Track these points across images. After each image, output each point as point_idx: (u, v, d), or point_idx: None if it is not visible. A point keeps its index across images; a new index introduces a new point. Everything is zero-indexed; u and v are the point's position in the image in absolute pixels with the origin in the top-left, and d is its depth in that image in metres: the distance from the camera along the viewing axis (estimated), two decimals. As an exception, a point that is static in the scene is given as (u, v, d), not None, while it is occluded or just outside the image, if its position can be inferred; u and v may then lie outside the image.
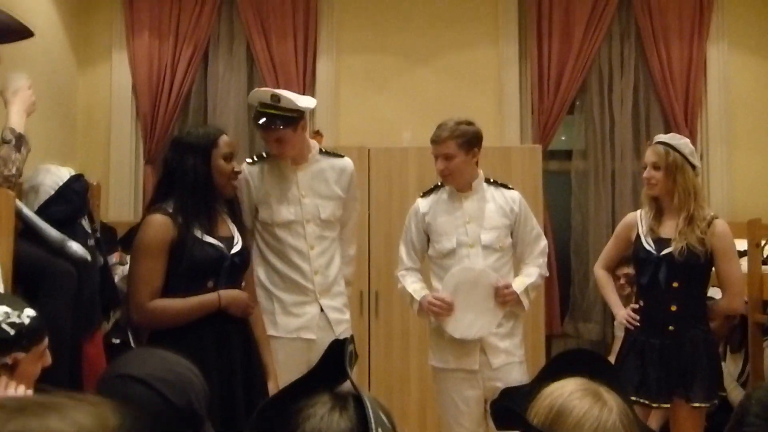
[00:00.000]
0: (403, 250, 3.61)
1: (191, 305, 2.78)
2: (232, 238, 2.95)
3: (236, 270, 2.94)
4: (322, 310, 3.37)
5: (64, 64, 4.95)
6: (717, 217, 3.47)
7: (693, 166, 3.44)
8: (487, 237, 3.45)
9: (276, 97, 3.24)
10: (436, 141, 3.45)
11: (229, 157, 2.93)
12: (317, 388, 1.22)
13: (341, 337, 3.36)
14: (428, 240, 3.56)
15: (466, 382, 3.40)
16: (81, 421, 0.91)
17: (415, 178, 4.78)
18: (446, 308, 3.34)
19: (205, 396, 1.53)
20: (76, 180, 2.88)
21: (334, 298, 3.42)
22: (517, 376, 3.40)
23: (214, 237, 2.87)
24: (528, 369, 3.50)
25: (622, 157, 5.18)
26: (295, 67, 5.15)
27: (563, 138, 5.50)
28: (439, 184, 3.59)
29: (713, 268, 3.46)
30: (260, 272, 3.38)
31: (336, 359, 1.21)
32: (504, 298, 3.37)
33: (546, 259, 3.63)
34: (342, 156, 3.57)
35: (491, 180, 3.59)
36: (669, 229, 3.44)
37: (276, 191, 3.36)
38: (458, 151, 3.41)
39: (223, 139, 2.95)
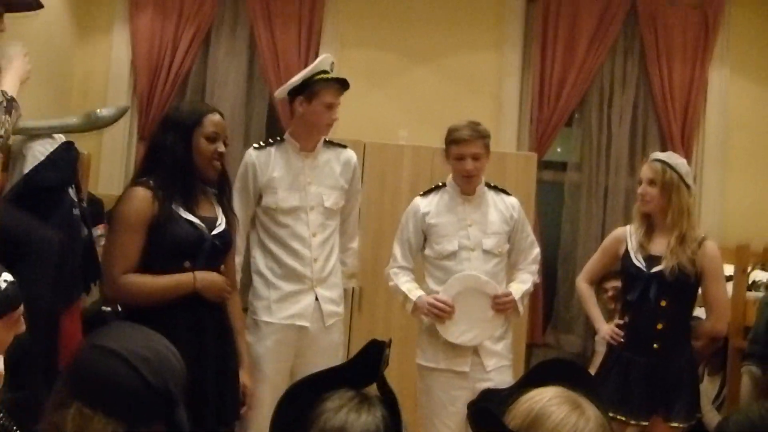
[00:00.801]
0: (397, 248, 3.57)
1: (165, 283, 2.69)
2: (215, 219, 2.86)
3: (216, 252, 2.84)
4: (316, 299, 3.37)
5: (63, 35, 4.90)
6: (707, 239, 3.47)
7: (688, 186, 3.45)
8: (489, 242, 3.45)
9: (333, 65, 3.38)
10: (466, 140, 3.39)
11: (212, 138, 2.81)
12: (344, 384, 1.21)
13: (332, 329, 3.42)
14: (424, 240, 3.53)
15: (455, 383, 3.37)
16: None
17: (409, 177, 4.76)
18: (448, 311, 3.33)
19: (183, 380, 1.50)
20: (67, 148, 2.84)
21: (330, 289, 3.44)
22: (507, 378, 3.40)
23: (194, 216, 2.78)
24: (508, 376, 3.49)
25: (617, 173, 5.18)
26: (297, 56, 5.12)
27: (558, 149, 5.49)
28: (441, 184, 3.58)
29: (700, 289, 3.46)
30: (258, 259, 3.39)
31: (372, 362, 1.21)
32: (504, 306, 3.38)
33: (538, 267, 3.64)
34: (345, 147, 3.60)
35: (491, 184, 3.58)
36: (659, 246, 3.43)
37: (283, 177, 3.37)
38: (484, 152, 3.43)
39: (210, 118, 2.83)
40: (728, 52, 5.24)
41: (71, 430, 1.36)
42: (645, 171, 3.49)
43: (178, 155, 2.76)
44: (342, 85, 3.39)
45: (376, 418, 1.17)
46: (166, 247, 2.72)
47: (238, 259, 3.34)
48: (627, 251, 3.51)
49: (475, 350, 3.40)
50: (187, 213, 2.75)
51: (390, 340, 1.36)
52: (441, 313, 3.33)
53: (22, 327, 2.06)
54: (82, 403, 1.38)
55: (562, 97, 5.15)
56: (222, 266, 2.91)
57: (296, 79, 3.39)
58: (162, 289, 2.68)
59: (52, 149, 2.78)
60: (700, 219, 5.00)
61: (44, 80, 4.45)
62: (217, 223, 2.85)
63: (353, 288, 4.66)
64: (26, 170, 2.73)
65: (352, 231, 3.64)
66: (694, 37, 5.19)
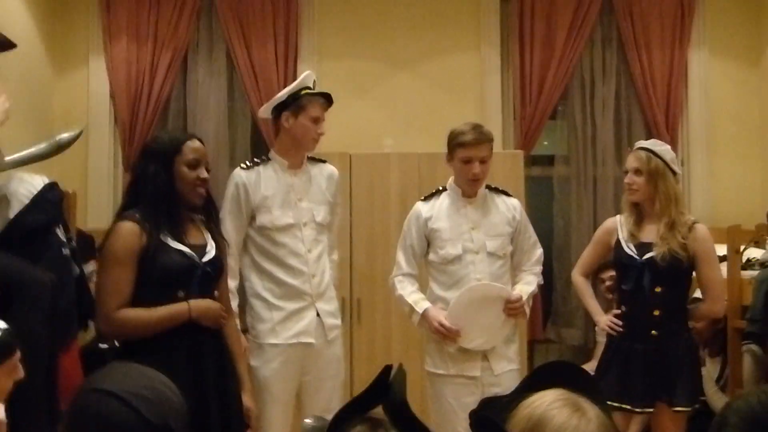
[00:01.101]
0: (401, 255, 3.53)
1: (160, 316, 2.66)
2: (205, 245, 2.84)
3: (208, 279, 2.82)
4: (317, 315, 3.38)
5: (39, 70, 4.89)
6: (697, 222, 3.48)
7: (674, 173, 3.46)
8: (492, 244, 3.44)
9: (315, 82, 3.42)
10: (477, 143, 3.37)
11: (193, 164, 2.78)
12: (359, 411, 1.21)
13: (334, 342, 3.41)
14: (428, 245, 3.50)
15: (465, 389, 3.35)
16: None
17: (397, 185, 4.77)
18: (452, 336, 3.31)
19: (183, 415, 1.49)
20: (50, 189, 2.83)
21: (329, 302, 3.46)
22: (516, 384, 3.38)
23: (184, 245, 2.76)
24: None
25: (604, 163, 5.20)
26: (276, 72, 5.12)
27: (545, 143, 5.50)
28: (441, 188, 3.56)
29: (694, 273, 3.47)
30: (255, 282, 3.38)
31: (380, 385, 1.20)
32: (516, 311, 3.38)
33: (541, 267, 3.63)
34: (325, 161, 3.61)
35: (491, 186, 3.57)
36: (649, 234, 3.45)
37: (275, 195, 3.37)
38: (490, 155, 3.43)
39: (189, 145, 2.80)
40: (706, 33, 5.27)
41: (75, 473, 1.36)
42: (630, 160, 3.50)
43: (160, 185, 2.73)
44: (327, 99, 3.41)
45: None
46: (158, 278, 2.70)
47: (234, 283, 3.32)
48: (618, 241, 3.52)
49: (484, 355, 3.39)
50: (176, 242, 2.74)
51: (400, 364, 1.35)
52: (447, 335, 3.32)
53: (21, 373, 2.06)
54: (86, 445, 1.38)
55: (544, 91, 5.16)
56: (216, 292, 2.89)
57: (282, 94, 3.40)
58: (157, 321, 2.66)
59: (36, 191, 2.76)
60: (690, 203, 5.03)
61: (24, 116, 4.44)
62: (207, 250, 2.83)
63: (351, 299, 4.67)
64: (12, 214, 2.72)
65: (332, 244, 3.62)
66: (670, 21, 5.21)
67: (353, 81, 5.25)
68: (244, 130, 5.22)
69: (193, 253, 2.77)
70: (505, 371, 3.38)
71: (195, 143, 2.84)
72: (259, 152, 4.99)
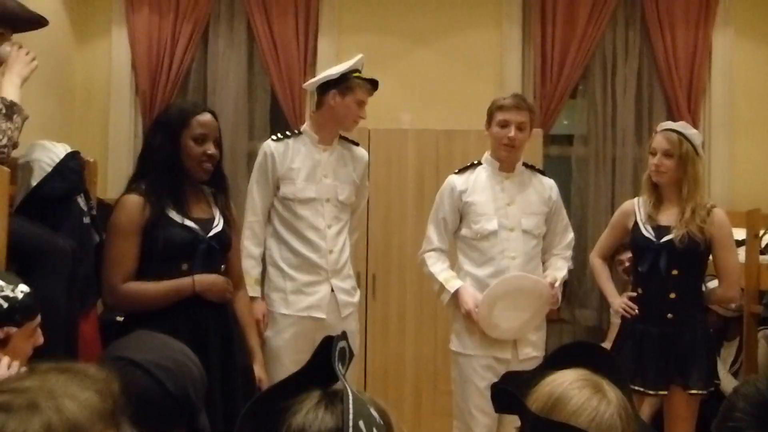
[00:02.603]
0: (432, 229, 3.50)
1: (165, 290, 2.68)
2: (212, 219, 2.84)
3: (214, 253, 2.81)
4: (332, 290, 3.41)
5: (62, 40, 4.90)
6: (715, 206, 3.47)
7: (700, 157, 3.44)
8: (528, 222, 3.41)
9: (362, 65, 3.48)
10: (516, 107, 3.35)
11: (200, 139, 2.75)
12: (309, 387, 1.20)
13: (348, 319, 3.44)
14: (460, 220, 3.47)
15: (491, 371, 3.32)
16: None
17: (415, 161, 4.77)
18: (480, 321, 3.30)
19: (203, 386, 1.51)
20: (72, 157, 2.84)
21: (345, 280, 3.49)
22: None
23: (189, 218, 2.76)
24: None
25: (624, 143, 5.14)
26: (296, 46, 5.10)
27: (565, 122, 5.47)
28: (476, 162, 3.52)
29: (710, 257, 3.45)
30: (273, 251, 3.43)
31: (326, 357, 1.19)
32: (553, 305, 3.42)
33: (572, 252, 3.61)
34: (357, 144, 3.66)
35: (528, 164, 3.54)
36: (668, 216, 3.43)
37: (301, 168, 3.41)
38: (530, 124, 3.40)
39: (198, 119, 2.77)
40: (731, 13, 5.16)
41: (96, 440, 1.38)
42: (660, 142, 3.44)
43: (165, 157, 2.74)
44: (373, 86, 3.48)
45: (333, 417, 1.16)
46: (161, 251, 2.72)
47: (258, 250, 3.39)
48: (636, 223, 3.51)
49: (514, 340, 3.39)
50: (180, 216, 2.75)
51: (344, 332, 1.33)
52: (471, 312, 3.31)
53: (41, 338, 2.09)
54: (105, 414, 1.40)
55: (565, 70, 5.11)
56: (222, 266, 2.90)
57: (334, 72, 3.44)
58: (162, 295, 2.69)
59: (58, 160, 2.78)
60: (710, 186, 4.99)
61: (46, 87, 4.47)
62: (214, 225, 2.83)
63: (366, 275, 4.69)
64: (34, 182, 2.74)
65: (355, 226, 3.68)
66: (696, 0, 5.12)
67: (372, 56, 5.17)
68: (263, 103, 5.22)
69: (197, 227, 2.77)
70: (530, 357, 3.37)
71: (205, 116, 2.80)
72: (277, 126, 5.01)
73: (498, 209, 3.39)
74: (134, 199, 2.73)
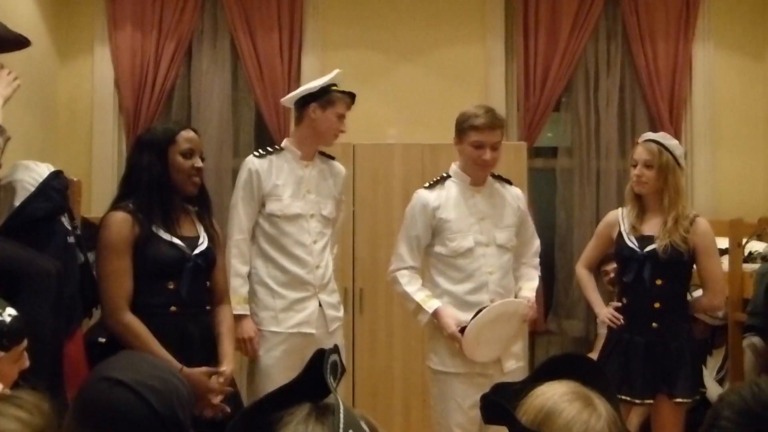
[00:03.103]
0: (403, 247, 3.39)
1: (156, 351, 2.66)
2: (197, 237, 2.88)
3: (199, 271, 2.86)
4: (320, 305, 3.41)
5: (45, 58, 4.88)
6: (698, 216, 3.50)
7: (681, 167, 3.47)
8: (502, 236, 3.36)
9: (341, 80, 3.46)
10: (490, 127, 3.24)
11: (188, 154, 2.84)
12: (299, 400, 1.19)
13: (335, 333, 3.43)
14: (432, 236, 3.37)
15: (474, 387, 3.21)
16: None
17: (401, 175, 4.77)
18: (466, 349, 3.22)
19: (190, 404, 1.50)
20: (55, 176, 2.82)
21: (331, 295, 3.49)
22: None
23: (176, 236, 2.80)
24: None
25: (607, 156, 5.19)
26: (280, 62, 5.11)
27: (549, 135, 5.50)
28: (445, 175, 3.42)
29: (694, 266, 3.48)
30: (260, 269, 3.40)
31: (317, 371, 1.19)
32: (532, 319, 3.41)
33: (539, 259, 3.58)
34: (334, 158, 3.65)
35: (495, 174, 3.47)
36: (651, 227, 3.46)
37: (286, 184, 3.40)
38: (501, 141, 3.33)
39: (182, 135, 2.86)
40: (711, 26, 5.24)
41: (83, 462, 1.37)
42: (640, 152, 3.47)
43: (155, 175, 2.78)
44: (351, 100, 3.48)
45: (326, 426, 1.15)
46: (149, 269, 2.75)
47: (245, 269, 3.36)
48: (620, 233, 3.53)
49: None
50: (167, 234, 2.78)
51: (336, 346, 1.34)
52: (455, 338, 3.23)
53: (26, 362, 2.07)
54: (93, 433, 1.39)
55: (548, 83, 5.15)
56: (208, 283, 2.94)
57: (313, 86, 3.44)
58: (152, 352, 2.66)
59: (41, 179, 2.76)
60: (693, 196, 5.04)
61: (29, 106, 4.44)
62: (199, 242, 2.87)
63: (353, 290, 4.68)
64: (17, 202, 2.72)
65: (335, 240, 3.66)
66: (675, 13, 5.19)
67: (357, 71, 5.23)
68: (248, 120, 5.22)
69: (184, 245, 2.81)
70: (513, 369, 3.33)
71: (189, 133, 2.89)
72: (263, 142, 5.00)
73: (472, 225, 3.32)
74: (122, 216, 2.75)
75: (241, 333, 3.35)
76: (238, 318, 3.34)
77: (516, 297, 3.40)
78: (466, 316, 3.24)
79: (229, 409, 2.81)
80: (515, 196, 3.48)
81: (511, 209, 3.43)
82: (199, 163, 2.87)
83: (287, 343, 3.36)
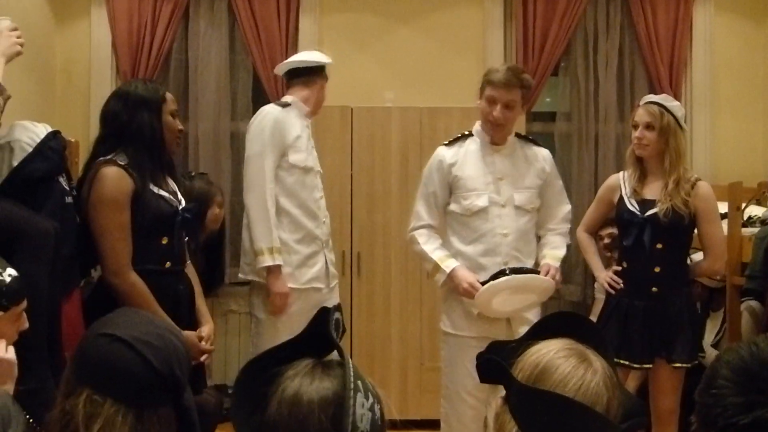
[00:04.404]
0: (421, 205, 3.32)
1: (161, 315, 2.67)
2: (176, 193, 2.92)
3: (186, 225, 2.91)
4: (326, 261, 3.52)
5: (41, 21, 4.84)
6: (700, 179, 3.47)
7: (682, 129, 3.44)
8: (521, 197, 3.26)
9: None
10: (503, 85, 3.14)
11: (175, 114, 2.91)
12: (302, 356, 1.20)
13: (335, 290, 3.47)
14: (450, 194, 3.30)
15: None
16: None
17: (398, 139, 4.77)
18: (479, 305, 3.17)
19: (189, 362, 1.51)
20: (53, 137, 2.81)
21: (331, 252, 3.61)
22: None
23: (165, 191, 2.85)
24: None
25: (606, 120, 5.17)
26: (277, 25, 5.07)
27: (548, 99, 5.47)
28: (467, 133, 3.35)
29: (695, 231, 3.47)
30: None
31: (321, 327, 1.20)
32: (556, 281, 3.27)
33: (569, 225, 3.46)
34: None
35: (521, 134, 3.41)
36: (653, 190, 3.44)
37: (300, 138, 3.48)
38: (519, 101, 3.21)
39: (169, 96, 2.92)
40: (712, -12, 5.21)
41: (83, 415, 1.38)
42: (641, 114, 3.43)
43: (155, 132, 2.81)
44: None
45: (331, 382, 1.17)
46: (146, 224, 2.76)
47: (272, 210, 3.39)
48: (621, 197, 3.50)
49: (508, 319, 3.26)
50: (160, 189, 2.82)
51: (339, 305, 1.35)
52: (469, 292, 3.16)
53: (26, 323, 2.07)
54: (91, 390, 1.40)
55: (546, 47, 5.12)
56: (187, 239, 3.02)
57: (325, 60, 3.65)
58: (156, 314, 2.66)
59: (39, 140, 2.75)
60: (692, 160, 5.02)
61: (26, 68, 4.41)
62: (179, 197, 2.92)
63: (351, 253, 4.70)
64: (15, 162, 2.71)
65: None
66: (675, -25, 5.15)
67: (355, 35, 5.21)
68: (245, 83, 5.19)
69: (174, 198, 2.86)
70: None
71: (170, 94, 2.96)
72: (259, 105, 4.97)
73: (488, 184, 3.23)
74: (117, 171, 2.73)
75: (277, 287, 3.36)
76: (273, 270, 3.36)
77: (537, 265, 3.32)
78: (482, 279, 3.19)
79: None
80: (541, 156, 3.37)
81: (534, 170, 3.31)
82: (181, 126, 2.96)
83: (302, 299, 3.41)
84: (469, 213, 3.23)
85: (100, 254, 2.79)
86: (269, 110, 3.47)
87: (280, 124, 3.40)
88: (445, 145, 3.36)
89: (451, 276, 3.20)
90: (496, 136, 3.26)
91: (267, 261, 3.33)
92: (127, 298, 2.73)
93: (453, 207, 3.29)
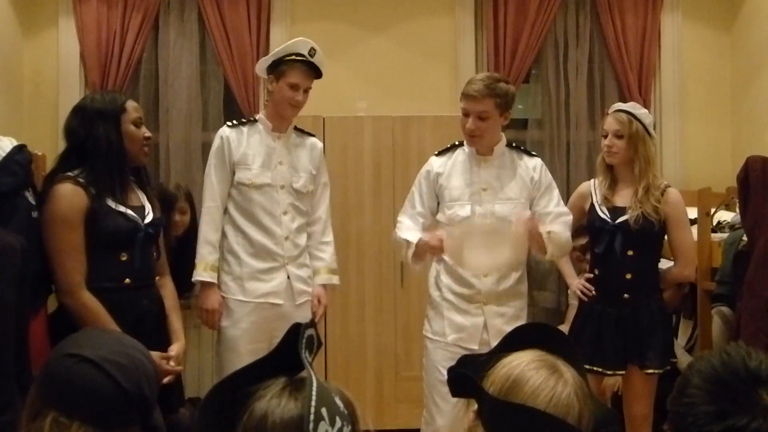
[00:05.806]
0: (406, 203, 3.37)
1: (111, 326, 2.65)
2: (143, 207, 2.87)
3: (150, 241, 2.86)
4: (288, 278, 3.41)
5: (8, 31, 4.79)
6: (669, 186, 3.51)
7: (651, 136, 3.47)
8: (502, 208, 3.23)
9: (313, 51, 3.36)
10: (472, 96, 3.14)
11: (138, 123, 2.84)
12: (275, 374, 1.18)
13: (303, 307, 3.40)
14: (437, 205, 3.31)
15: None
16: None
17: (371, 148, 4.76)
18: (449, 253, 3.12)
19: (157, 381, 1.49)
20: (19, 151, 2.76)
21: (301, 268, 3.47)
22: None
23: (126, 207, 2.79)
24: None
25: (578, 127, 5.21)
26: (248, 34, 5.05)
27: (519, 107, 5.49)
28: (457, 143, 3.36)
29: (665, 237, 3.50)
30: (230, 238, 3.41)
31: (292, 345, 1.18)
32: (529, 224, 3.11)
33: (570, 233, 3.35)
34: (313, 135, 3.64)
35: (513, 145, 3.40)
36: (623, 198, 3.47)
37: (255, 154, 3.39)
38: (494, 111, 3.17)
39: (131, 103, 2.86)
40: (679, -3, 5.27)
41: (48, 438, 1.35)
42: (610, 123, 3.47)
43: (112, 144, 2.75)
44: (311, 68, 3.39)
45: (295, 404, 1.14)
46: (102, 241, 2.72)
47: (216, 236, 3.38)
48: (592, 205, 3.53)
49: (485, 327, 3.22)
50: (119, 205, 2.76)
51: (312, 320, 1.33)
52: (438, 245, 3.10)
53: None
54: (57, 412, 1.37)
55: (518, 55, 5.14)
56: (155, 254, 2.94)
57: (269, 57, 3.44)
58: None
59: (4, 154, 2.71)
60: (661, 166, 5.08)
61: (-7, 80, 4.37)
62: (146, 212, 2.86)
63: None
64: (-20, 177, 2.67)
65: (324, 224, 3.58)
66: (644, -16, 5.20)
67: (326, 44, 5.11)
68: (217, 93, 5.16)
69: (136, 215, 2.80)
70: None
71: (134, 102, 2.89)
72: (231, 115, 4.95)
73: (473, 194, 3.25)
74: (71, 188, 2.70)
75: (204, 303, 3.37)
76: (204, 286, 3.37)
77: (530, 277, 3.29)
78: (461, 289, 3.24)
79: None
80: (531, 166, 3.33)
81: (521, 182, 3.28)
82: (148, 133, 2.88)
83: (255, 314, 3.36)
84: (453, 222, 3.24)
85: (52, 273, 2.76)
86: (220, 130, 3.47)
87: (226, 143, 3.39)
88: (437, 154, 3.41)
89: (418, 245, 3.20)
90: (476, 147, 3.28)
91: (200, 276, 3.34)
92: (79, 317, 2.70)
93: (440, 216, 3.32)
